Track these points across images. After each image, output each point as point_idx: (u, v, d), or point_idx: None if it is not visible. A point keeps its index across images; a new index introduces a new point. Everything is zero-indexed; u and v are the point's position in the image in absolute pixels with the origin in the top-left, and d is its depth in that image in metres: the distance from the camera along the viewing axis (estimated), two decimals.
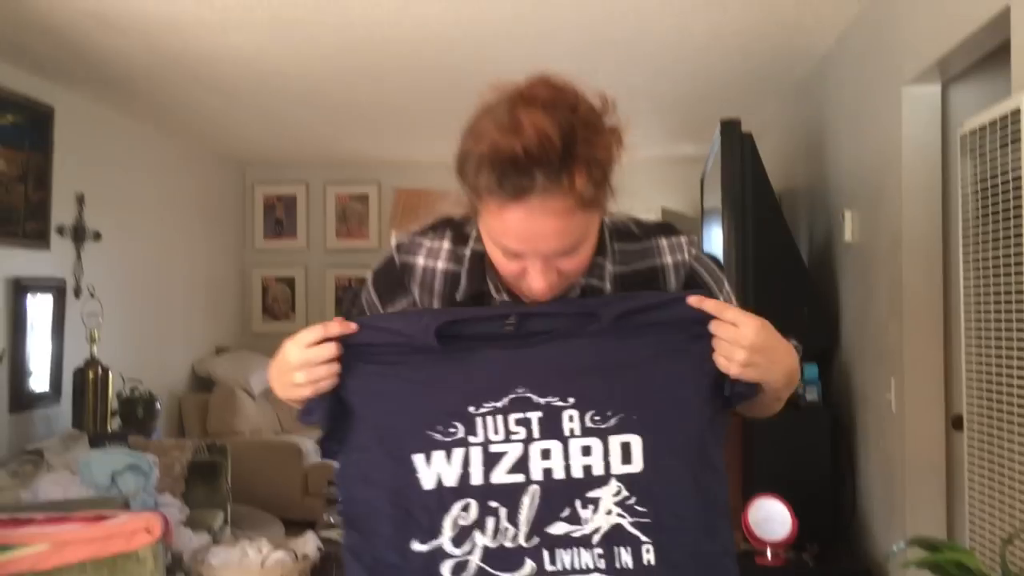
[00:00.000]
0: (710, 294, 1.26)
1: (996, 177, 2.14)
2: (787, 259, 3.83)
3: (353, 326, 1.21)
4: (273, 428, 6.43)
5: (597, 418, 1.18)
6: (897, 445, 3.18)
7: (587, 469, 1.18)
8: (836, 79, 3.97)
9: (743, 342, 1.15)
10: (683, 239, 1.32)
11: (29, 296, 4.46)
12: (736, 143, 3.67)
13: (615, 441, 1.18)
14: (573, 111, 1.12)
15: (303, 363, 1.20)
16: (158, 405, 5.08)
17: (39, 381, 4.58)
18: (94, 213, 5.02)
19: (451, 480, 1.19)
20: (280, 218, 7.43)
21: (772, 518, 3.36)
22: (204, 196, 6.72)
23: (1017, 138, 2.04)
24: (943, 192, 3.07)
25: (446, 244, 1.31)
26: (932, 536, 1.63)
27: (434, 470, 1.19)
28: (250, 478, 5.45)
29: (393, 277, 1.34)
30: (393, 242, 1.36)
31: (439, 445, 1.19)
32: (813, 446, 3.66)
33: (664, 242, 1.31)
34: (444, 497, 1.19)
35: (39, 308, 4.57)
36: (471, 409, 1.19)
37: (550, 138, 1.08)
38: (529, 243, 1.14)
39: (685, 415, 1.20)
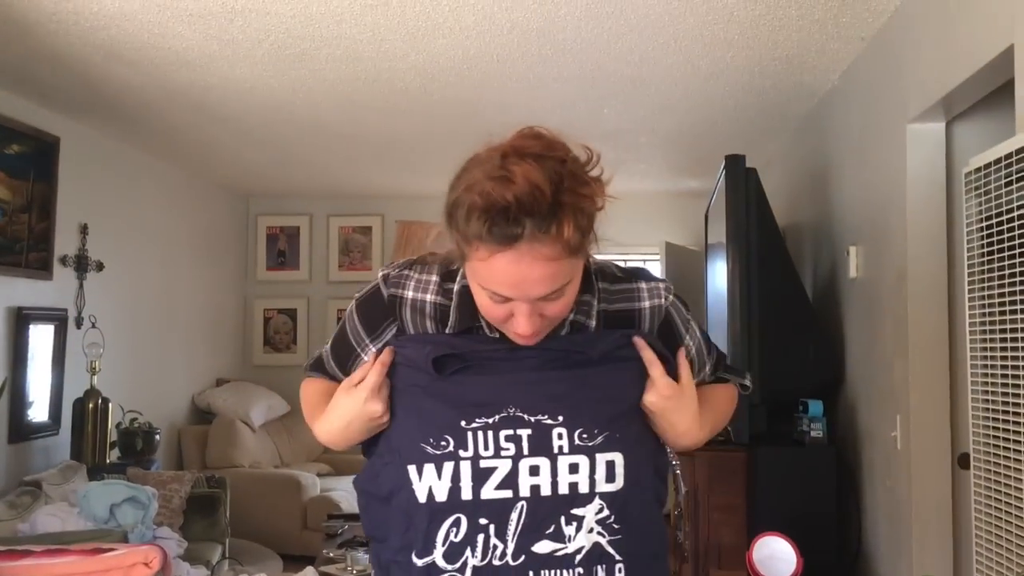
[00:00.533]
0: (678, 335, 1.40)
1: (1001, 215, 2.14)
2: (792, 294, 3.82)
3: (390, 357, 1.32)
4: (272, 461, 6.39)
5: (585, 436, 1.24)
6: (903, 483, 3.15)
7: (573, 487, 1.23)
8: (840, 116, 3.98)
9: (650, 397, 1.30)
10: (661, 285, 1.39)
11: (31, 326, 4.45)
12: (740, 178, 3.68)
13: (602, 459, 1.24)
14: (562, 163, 1.17)
15: (374, 390, 1.29)
16: (157, 437, 5.06)
17: (39, 411, 4.55)
18: (97, 243, 5.03)
19: (441, 494, 1.23)
20: (283, 249, 7.44)
21: (777, 556, 3.32)
22: (207, 227, 6.73)
23: (1022, 176, 2.03)
24: (948, 229, 3.07)
25: (434, 278, 1.35)
26: None
27: (425, 483, 1.24)
28: (249, 511, 5.41)
29: (379, 308, 1.37)
30: (380, 273, 1.38)
31: (429, 458, 1.24)
32: (818, 484, 3.63)
33: (644, 286, 1.38)
34: (435, 512, 1.23)
35: (40, 338, 4.56)
36: (463, 423, 1.24)
37: (540, 189, 1.12)
38: (517, 288, 1.18)
39: (649, 434, 1.32)
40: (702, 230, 5.24)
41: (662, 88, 4.15)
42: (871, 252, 3.52)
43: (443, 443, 1.23)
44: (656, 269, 6.80)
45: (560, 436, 1.23)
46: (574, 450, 1.23)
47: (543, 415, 1.24)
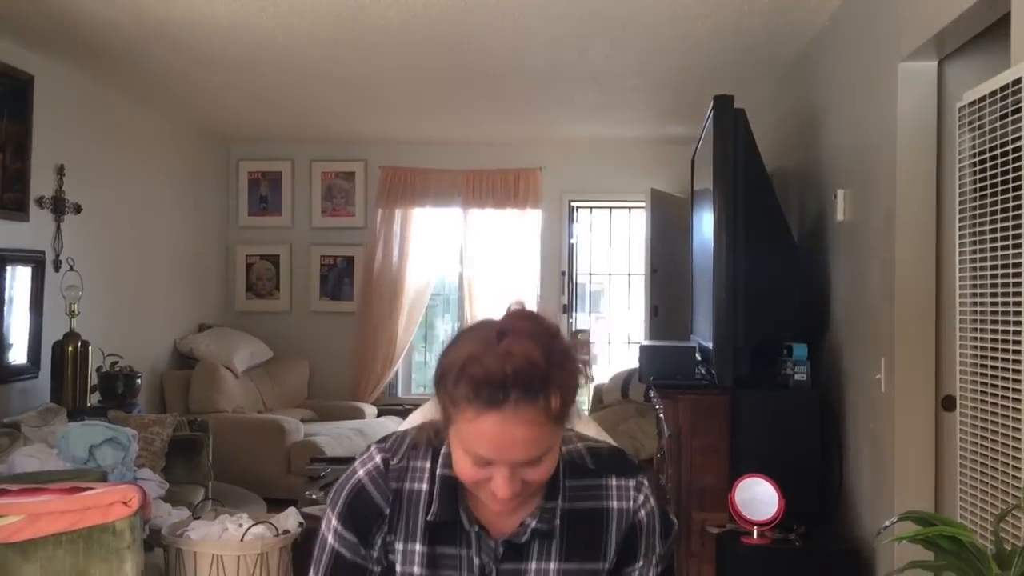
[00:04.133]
0: (636, 553, 1.39)
1: (995, 148, 2.10)
2: (778, 238, 3.80)
3: None
4: (256, 406, 6.37)
5: None
6: (886, 426, 3.15)
7: None
8: (830, 57, 3.93)
9: None
10: (631, 483, 1.39)
11: (8, 268, 4.39)
12: (729, 118, 3.62)
13: None
14: (553, 338, 1.25)
15: None
16: (139, 381, 5.02)
17: (17, 354, 4.51)
18: (74, 185, 4.94)
19: None
20: (265, 195, 7.35)
21: (759, 498, 3.34)
22: (188, 171, 6.63)
23: (1018, 109, 2.00)
24: (937, 170, 3.04)
25: (428, 464, 1.37)
26: (925, 511, 1.60)
27: None
28: (232, 456, 5.39)
29: (370, 504, 1.36)
30: (378, 456, 1.38)
31: None
32: (801, 426, 3.64)
33: (614, 483, 1.39)
34: None
35: (18, 280, 4.50)
36: None
37: (536, 364, 1.20)
38: (499, 451, 1.22)
39: None
40: (688, 177, 5.19)
41: (649, 28, 4.07)
42: (859, 195, 3.49)
43: None
44: (641, 216, 6.76)
45: None
46: None
47: None
